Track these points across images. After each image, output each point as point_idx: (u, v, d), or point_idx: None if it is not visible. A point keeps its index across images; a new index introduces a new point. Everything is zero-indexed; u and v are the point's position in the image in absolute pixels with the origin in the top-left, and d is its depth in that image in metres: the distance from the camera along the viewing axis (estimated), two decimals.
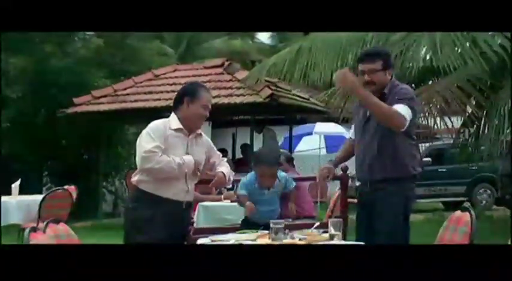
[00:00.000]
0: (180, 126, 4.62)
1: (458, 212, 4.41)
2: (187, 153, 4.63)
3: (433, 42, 8.59)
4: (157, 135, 4.53)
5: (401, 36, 9.05)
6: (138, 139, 4.59)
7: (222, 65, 13.73)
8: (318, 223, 4.67)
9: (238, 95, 12.35)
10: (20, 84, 13.99)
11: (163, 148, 4.50)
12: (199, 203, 7.79)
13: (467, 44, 8.62)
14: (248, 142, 13.54)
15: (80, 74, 14.13)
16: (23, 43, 13.55)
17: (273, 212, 5.14)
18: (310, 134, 15.72)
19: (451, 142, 10.95)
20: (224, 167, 4.91)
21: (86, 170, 15.02)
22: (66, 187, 10.03)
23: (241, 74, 12.80)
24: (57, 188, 9.34)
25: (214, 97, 12.34)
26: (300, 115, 14.74)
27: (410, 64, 8.96)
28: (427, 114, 8.95)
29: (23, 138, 14.69)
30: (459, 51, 8.56)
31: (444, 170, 16.75)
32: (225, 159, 5.13)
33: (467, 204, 4.55)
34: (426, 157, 16.56)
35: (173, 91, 12.96)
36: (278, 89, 12.70)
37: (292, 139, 15.27)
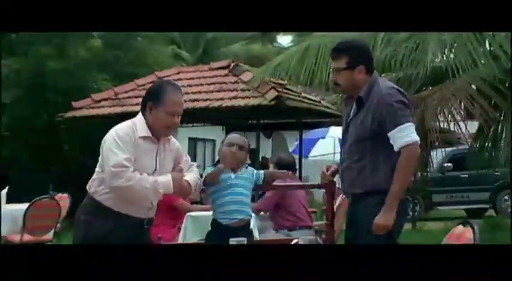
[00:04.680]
0: (149, 134, 4.00)
1: (459, 228, 3.90)
2: (156, 163, 4.03)
3: (443, 43, 8.11)
4: (127, 144, 3.90)
5: (408, 36, 8.47)
6: (103, 147, 3.96)
7: (228, 67, 13.15)
8: (296, 240, 4.15)
9: (243, 98, 11.75)
10: (14, 87, 13.55)
11: (133, 159, 3.89)
12: (187, 214, 7.25)
13: (479, 45, 8.06)
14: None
15: (80, 77, 13.67)
16: (20, 45, 13.16)
17: (243, 204, 4.61)
18: (323, 138, 15.15)
19: (467, 146, 10.32)
20: (191, 174, 4.29)
21: (88, 177, 14.47)
22: (59, 195, 9.55)
23: (247, 76, 12.21)
24: (43, 196, 8.76)
25: (218, 100, 11.94)
26: (310, 119, 14.10)
27: (424, 65, 8.38)
28: (441, 117, 8.34)
29: (21, 144, 14.26)
30: (471, 52, 8.01)
31: (466, 176, 16.10)
32: (195, 164, 4.53)
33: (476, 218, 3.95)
34: (447, 162, 16.06)
35: None
36: (286, 91, 12.07)
37: (304, 144, 14.64)
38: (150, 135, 4.02)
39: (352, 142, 4.14)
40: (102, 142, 4.00)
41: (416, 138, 4.00)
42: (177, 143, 4.32)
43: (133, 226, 4.02)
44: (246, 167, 4.76)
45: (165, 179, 3.99)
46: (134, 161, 3.89)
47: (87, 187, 4.14)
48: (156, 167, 4.04)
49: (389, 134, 3.97)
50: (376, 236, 3.97)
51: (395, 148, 3.96)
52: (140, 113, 4.10)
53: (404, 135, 3.95)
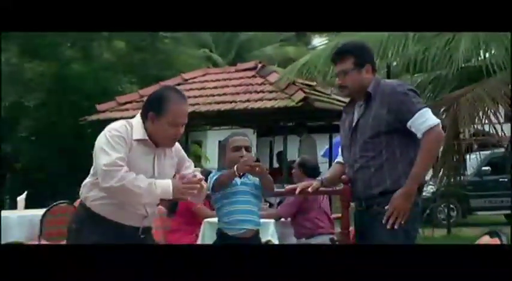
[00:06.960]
0: (145, 137, 3.69)
1: (485, 238, 3.65)
2: (154, 168, 3.72)
3: (476, 40, 7.91)
4: (119, 143, 3.60)
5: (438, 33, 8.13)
6: (95, 148, 3.67)
7: (254, 68, 12.81)
8: None
9: (269, 99, 11.37)
10: (39, 91, 13.40)
11: (126, 159, 3.58)
12: (205, 220, 6.92)
13: None
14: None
15: (105, 80, 13.50)
16: (44, 47, 13.01)
17: (250, 213, 4.27)
18: None
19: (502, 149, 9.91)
20: None
21: None
22: (79, 200, 9.32)
23: (274, 77, 11.86)
24: (60, 201, 8.52)
25: (244, 101, 11.62)
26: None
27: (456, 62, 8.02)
28: (476, 118, 7.95)
29: (48, 148, 14.07)
30: (507, 50, 7.70)
31: (505, 179, 15.55)
32: (199, 169, 4.19)
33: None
34: (485, 166, 15.58)
35: (201, 96, 12.25)
36: (314, 92, 11.69)
37: (335, 147, 14.19)
38: (147, 138, 3.71)
39: (366, 139, 3.98)
40: (97, 143, 3.69)
41: (438, 120, 3.94)
42: (179, 147, 3.99)
43: (127, 235, 3.71)
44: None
45: (164, 182, 3.65)
46: (129, 164, 3.59)
47: (79, 193, 3.83)
48: (154, 172, 3.73)
49: (409, 122, 3.90)
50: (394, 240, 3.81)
51: (419, 134, 3.88)
52: (139, 116, 3.79)
53: (427, 118, 3.89)
